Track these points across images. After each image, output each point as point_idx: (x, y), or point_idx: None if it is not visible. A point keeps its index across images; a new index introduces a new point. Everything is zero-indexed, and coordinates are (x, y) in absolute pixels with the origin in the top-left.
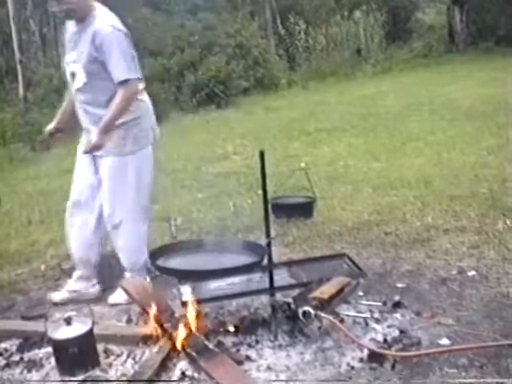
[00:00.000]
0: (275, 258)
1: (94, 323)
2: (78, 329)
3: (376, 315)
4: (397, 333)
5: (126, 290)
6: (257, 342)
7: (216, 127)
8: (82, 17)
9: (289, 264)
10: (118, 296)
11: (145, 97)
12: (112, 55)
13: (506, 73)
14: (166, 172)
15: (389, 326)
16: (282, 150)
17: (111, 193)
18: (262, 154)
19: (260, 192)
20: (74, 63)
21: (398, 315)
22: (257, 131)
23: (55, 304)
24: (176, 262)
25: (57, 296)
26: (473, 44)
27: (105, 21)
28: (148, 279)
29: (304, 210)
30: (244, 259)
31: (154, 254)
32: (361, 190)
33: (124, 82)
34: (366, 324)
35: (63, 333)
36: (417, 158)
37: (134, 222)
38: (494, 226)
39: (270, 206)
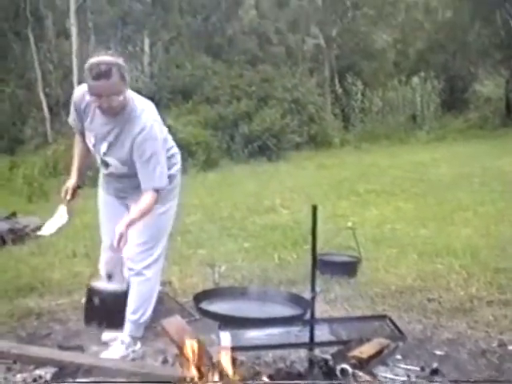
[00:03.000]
0: (316, 314)
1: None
2: (115, 286)
3: (413, 380)
4: None
5: (165, 330)
6: None
7: (266, 179)
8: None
9: (330, 321)
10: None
11: None
12: (148, 160)
13: None
14: (213, 219)
15: None
16: (331, 207)
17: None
18: (314, 209)
19: (306, 247)
20: (105, 155)
21: (435, 382)
22: (306, 187)
23: (105, 343)
24: (219, 307)
25: (107, 335)
26: None
27: (148, 116)
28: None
29: (348, 268)
30: (287, 311)
31: (198, 297)
32: (406, 254)
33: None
34: None
35: (102, 285)
36: (465, 228)
37: None
38: None
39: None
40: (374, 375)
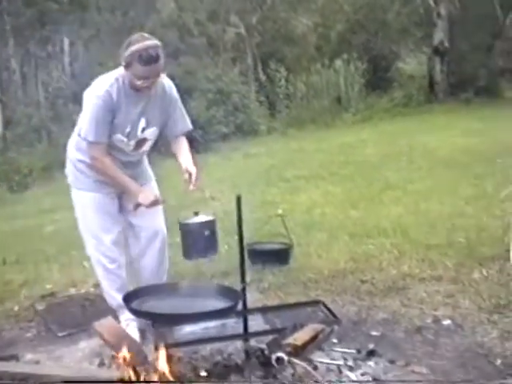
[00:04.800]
0: (250, 304)
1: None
2: (205, 217)
3: (350, 363)
4: (370, 380)
5: (98, 332)
6: None
7: None
8: None
9: (263, 310)
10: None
11: None
12: (179, 106)
13: (484, 123)
14: None
15: (362, 374)
16: (260, 196)
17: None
18: (238, 199)
19: (236, 237)
20: (144, 130)
21: (371, 363)
22: (235, 177)
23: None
24: (151, 306)
25: None
26: (452, 94)
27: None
28: None
29: (280, 256)
30: (219, 304)
31: (129, 297)
32: (337, 237)
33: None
34: (340, 371)
35: (191, 220)
36: (394, 207)
37: None
38: (470, 276)
39: (246, 252)
40: (310, 361)
